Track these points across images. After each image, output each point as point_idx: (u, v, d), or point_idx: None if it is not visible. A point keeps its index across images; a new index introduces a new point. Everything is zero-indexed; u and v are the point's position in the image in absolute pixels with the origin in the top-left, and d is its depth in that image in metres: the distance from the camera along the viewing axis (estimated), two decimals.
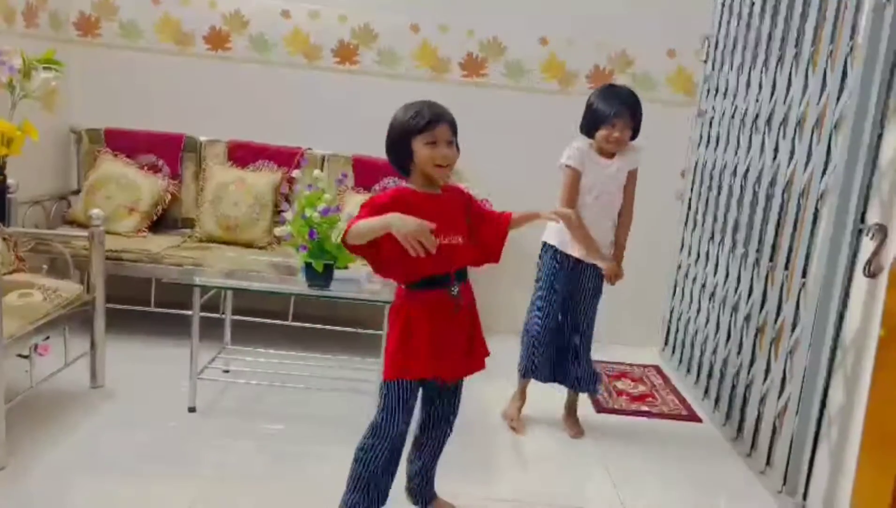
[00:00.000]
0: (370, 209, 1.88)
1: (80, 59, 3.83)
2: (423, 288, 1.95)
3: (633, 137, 2.76)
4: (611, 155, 2.77)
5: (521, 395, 2.95)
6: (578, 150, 2.71)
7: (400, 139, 1.92)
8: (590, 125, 2.73)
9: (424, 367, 1.96)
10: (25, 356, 2.55)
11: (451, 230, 1.95)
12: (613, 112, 2.65)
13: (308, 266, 2.65)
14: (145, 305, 3.42)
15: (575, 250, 2.78)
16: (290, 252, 2.91)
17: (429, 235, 1.79)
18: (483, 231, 2.07)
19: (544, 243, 2.86)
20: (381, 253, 1.88)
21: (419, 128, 1.89)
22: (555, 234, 2.81)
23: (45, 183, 3.70)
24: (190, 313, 2.72)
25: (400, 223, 1.79)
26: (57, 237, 3.19)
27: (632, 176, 2.82)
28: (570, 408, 2.98)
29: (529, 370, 2.89)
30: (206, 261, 3.30)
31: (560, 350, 2.91)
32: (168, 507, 2.19)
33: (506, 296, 3.69)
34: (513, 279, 3.66)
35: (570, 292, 2.85)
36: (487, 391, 2.98)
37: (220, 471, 2.42)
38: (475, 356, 2.10)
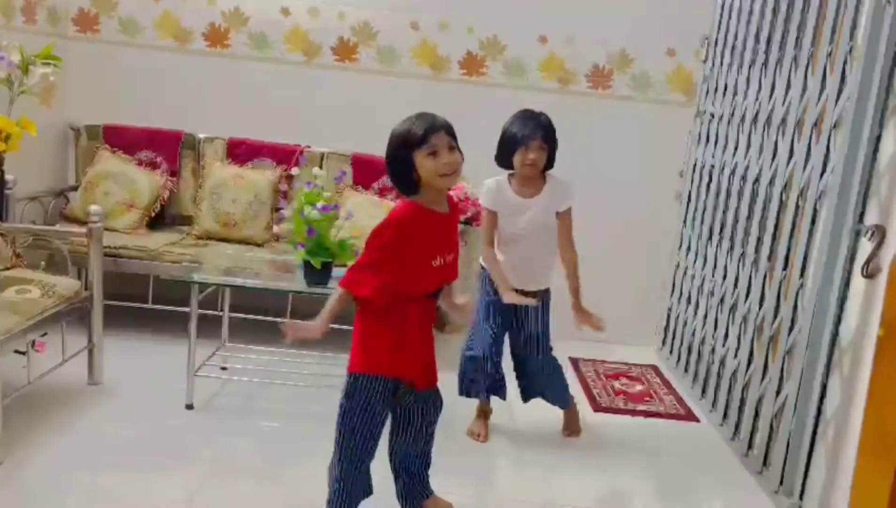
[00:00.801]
0: (379, 252, 1.88)
1: (79, 56, 3.83)
2: (416, 299, 1.98)
3: (549, 165, 2.64)
4: (532, 190, 2.64)
5: (482, 413, 2.86)
6: (488, 189, 2.65)
7: (401, 157, 1.90)
8: (505, 151, 2.62)
9: (407, 367, 1.97)
10: (23, 353, 2.55)
11: (448, 250, 1.98)
12: (527, 133, 2.56)
13: (306, 264, 2.66)
14: (143, 301, 3.42)
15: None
16: (289, 249, 2.91)
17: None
18: None
19: (481, 268, 2.79)
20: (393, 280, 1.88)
21: (417, 141, 1.87)
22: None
23: (43, 179, 3.69)
24: (188, 310, 2.72)
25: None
26: (55, 234, 3.19)
27: (563, 220, 2.67)
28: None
29: (466, 391, 2.83)
30: (204, 258, 3.30)
31: (522, 370, 2.85)
32: (167, 502, 2.19)
33: None
34: None
35: (512, 313, 2.75)
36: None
37: (218, 467, 2.42)
38: (433, 367, 2.11)
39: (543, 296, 2.76)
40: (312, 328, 1.91)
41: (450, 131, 1.92)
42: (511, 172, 2.67)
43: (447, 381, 2.19)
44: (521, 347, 2.81)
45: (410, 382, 2.02)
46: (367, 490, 2.09)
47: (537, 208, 2.64)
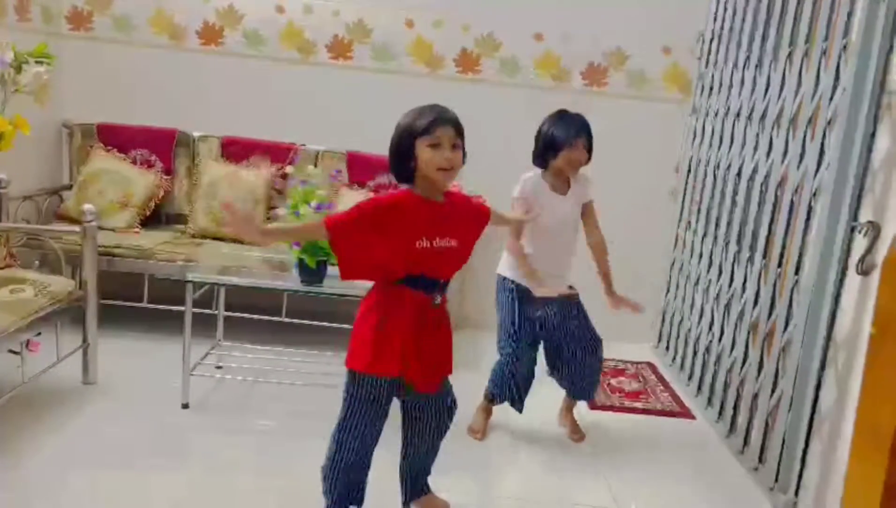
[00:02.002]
0: (362, 211, 1.87)
1: (73, 54, 3.81)
2: (408, 284, 1.93)
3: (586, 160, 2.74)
4: (564, 187, 2.72)
5: (486, 412, 2.87)
6: (532, 182, 2.67)
7: (403, 143, 1.89)
8: (547, 151, 2.66)
9: (398, 365, 1.93)
10: (17, 352, 2.54)
11: (444, 234, 1.93)
12: (574, 133, 2.63)
13: (301, 262, 2.65)
14: (138, 301, 3.41)
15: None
16: (284, 248, 2.90)
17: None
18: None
19: (503, 278, 2.77)
20: (371, 253, 1.87)
21: (422, 129, 1.86)
22: (510, 268, 2.74)
23: (37, 178, 3.68)
24: (183, 309, 2.71)
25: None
26: (49, 233, 3.17)
27: (588, 208, 2.79)
28: (568, 409, 2.95)
29: (497, 398, 2.84)
30: (198, 257, 3.29)
31: (555, 363, 2.85)
32: (163, 501, 2.19)
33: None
34: None
35: (544, 317, 2.76)
36: (484, 389, 2.96)
37: (213, 466, 2.41)
38: (441, 370, 2.07)
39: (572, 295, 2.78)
40: (253, 230, 1.91)
41: (458, 129, 1.91)
42: (543, 170, 2.71)
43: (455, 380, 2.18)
44: (563, 349, 2.80)
45: (407, 381, 1.98)
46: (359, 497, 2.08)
47: (571, 203, 2.74)
